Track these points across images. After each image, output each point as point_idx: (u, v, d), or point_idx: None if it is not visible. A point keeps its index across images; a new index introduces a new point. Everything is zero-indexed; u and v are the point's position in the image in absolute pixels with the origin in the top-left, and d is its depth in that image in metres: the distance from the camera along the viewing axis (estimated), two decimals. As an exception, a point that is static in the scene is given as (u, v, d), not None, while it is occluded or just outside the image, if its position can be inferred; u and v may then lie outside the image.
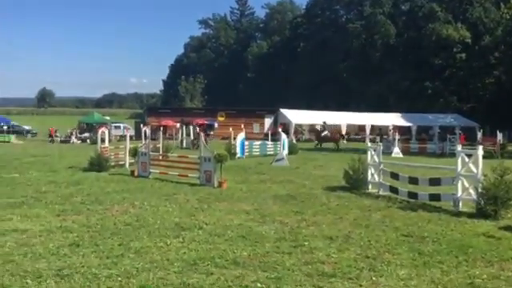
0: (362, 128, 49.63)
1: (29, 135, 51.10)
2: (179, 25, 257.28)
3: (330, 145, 32.83)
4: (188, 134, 35.93)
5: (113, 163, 18.03)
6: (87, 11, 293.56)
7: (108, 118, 55.66)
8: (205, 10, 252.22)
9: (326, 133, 34.63)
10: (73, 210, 9.44)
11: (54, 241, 6.97)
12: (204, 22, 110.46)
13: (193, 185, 13.20)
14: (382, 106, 55.05)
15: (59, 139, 42.84)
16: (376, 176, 12.35)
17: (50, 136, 43.19)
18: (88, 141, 39.59)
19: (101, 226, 7.98)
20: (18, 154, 24.45)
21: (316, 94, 66.48)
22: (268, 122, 50.73)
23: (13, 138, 41.56)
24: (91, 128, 44.24)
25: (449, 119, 51.03)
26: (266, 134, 34.21)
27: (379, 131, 46.74)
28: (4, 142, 39.27)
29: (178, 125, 41.14)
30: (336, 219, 8.85)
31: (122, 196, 11.31)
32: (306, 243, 6.98)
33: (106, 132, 20.55)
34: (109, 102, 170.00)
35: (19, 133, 48.55)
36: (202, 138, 14.53)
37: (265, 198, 11.26)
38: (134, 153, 16.41)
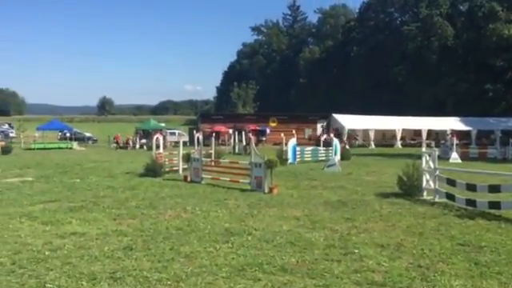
0: (417, 133, 48.25)
1: (90, 142, 53.29)
2: (233, 32, 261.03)
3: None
4: (240, 140, 36.29)
5: (167, 169, 18.53)
6: (142, 22, 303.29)
7: (163, 124, 57.13)
8: (257, 16, 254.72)
9: (325, 137, 33.78)
10: (128, 215, 9.76)
11: (110, 244, 7.23)
12: (256, 29, 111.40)
13: (243, 190, 13.31)
14: (439, 109, 53.25)
15: (118, 145, 44.44)
16: (431, 182, 11.95)
17: (117, 143, 44.79)
18: (145, 147, 40.80)
19: (154, 231, 8.20)
20: (79, 160, 25.56)
21: (370, 98, 65.24)
22: (320, 127, 50.34)
23: (75, 144, 43.48)
24: (148, 134, 45.58)
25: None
26: (318, 140, 33.98)
27: (436, 136, 45.27)
28: (67, 148, 41.21)
29: (231, 131, 41.64)
30: (388, 226, 8.64)
31: (175, 201, 11.58)
32: (356, 251, 6.85)
33: (161, 138, 21.14)
34: (165, 108, 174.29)
35: (81, 139, 50.72)
36: (253, 144, 14.60)
37: (315, 204, 11.17)
38: (187, 159, 16.78)
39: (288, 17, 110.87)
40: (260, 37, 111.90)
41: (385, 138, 47.95)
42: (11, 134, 55.68)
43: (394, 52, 69.21)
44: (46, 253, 6.69)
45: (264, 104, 79.88)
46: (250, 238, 7.68)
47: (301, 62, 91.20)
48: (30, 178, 16.85)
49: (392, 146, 45.17)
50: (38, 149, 39.30)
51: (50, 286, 5.27)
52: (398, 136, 47.10)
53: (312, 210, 10.37)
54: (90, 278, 5.57)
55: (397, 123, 47.65)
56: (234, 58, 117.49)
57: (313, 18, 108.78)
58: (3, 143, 38.25)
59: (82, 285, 5.33)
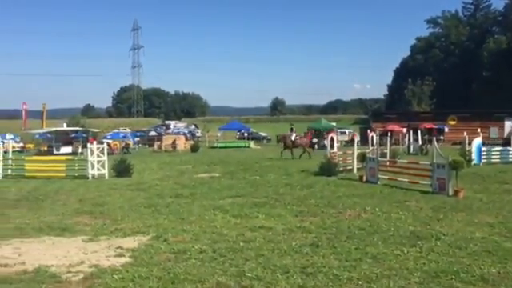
0: None
1: (264, 141, 56.18)
2: (403, 28, 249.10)
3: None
4: (415, 139, 34.57)
5: (341, 168, 18.57)
6: (310, 24, 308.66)
7: (334, 123, 57.39)
8: (432, 8, 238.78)
9: (294, 136, 28.58)
10: (309, 212, 10.04)
11: (296, 240, 7.52)
12: (432, 21, 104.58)
13: (424, 192, 12.67)
14: None
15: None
16: None
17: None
18: (316, 146, 41.47)
19: (336, 229, 8.28)
20: (257, 158, 27.13)
21: None
22: (508, 125, 45.17)
23: (252, 143, 46.30)
24: (319, 134, 46.18)
25: None
26: (507, 139, 30.57)
27: None
28: (245, 147, 44.12)
29: (405, 130, 39.92)
30: None
31: (353, 200, 11.54)
32: None
33: (335, 138, 21.25)
34: (333, 108, 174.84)
35: (257, 139, 53.80)
36: (435, 144, 13.76)
37: (511, 210, 10.05)
38: (362, 158, 16.59)
39: (468, 6, 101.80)
40: (436, 29, 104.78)
41: None
42: (197, 134, 61.72)
43: None
44: (241, 244, 7.24)
45: (441, 101, 74.60)
46: (439, 243, 7.26)
47: (484, 54, 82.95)
48: (217, 174, 18.47)
49: None
50: (220, 147, 42.86)
51: (249, 275, 5.69)
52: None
53: (508, 217, 9.36)
54: (284, 270, 5.85)
55: None
56: (405, 53, 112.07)
57: (498, 5, 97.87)
58: (192, 142, 42.72)
59: (277, 277, 5.63)
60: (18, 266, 6.32)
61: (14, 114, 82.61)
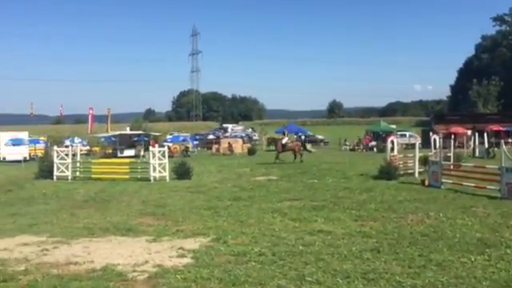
0: None
1: (322, 144, 55.61)
2: (467, 26, 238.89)
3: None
4: (481, 142, 33.06)
5: (401, 172, 18.08)
6: (368, 25, 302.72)
7: (394, 126, 55.97)
8: (498, 6, 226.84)
9: (286, 140, 26.92)
10: (368, 217, 9.86)
11: (356, 244, 7.40)
12: (499, 19, 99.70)
13: (492, 198, 12.12)
14: None
15: (348, 148, 45.23)
16: None
17: (366, 145, 44.82)
18: (375, 149, 40.60)
19: (397, 234, 8.08)
20: (314, 162, 26.86)
21: None
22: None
23: (309, 146, 45.90)
24: (378, 136, 45.19)
25: None
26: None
27: None
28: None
29: (469, 132, 38.30)
30: None
31: (415, 205, 11.23)
32: None
33: (395, 141, 20.75)
34: (393, 110, 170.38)
35: (314, 142, 53.34)
36: (504, 147, 13.10)
37: None
38: (425, 162, 16.08)
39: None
40: (503, 27, 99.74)
41: None
42: (254, 137, 62.12)
43: None
44: (300, 247, 7.23)
45: (509, 102, 70.90)
46: (509, 251, 6.92)
47: (558, 51, 78.10)
48: (275, 177, 18.52)
49: None
50: (277, 150, 42.82)
51: (309, 279, 5.66)
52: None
53: None
54: (344, 275, 5.78)
55: None
56: (470, 53, 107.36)
57: None
58: (249, 145, 43.05)
59: (338, 282, 5.57)
60: (87, 264, 6.65)
61: (81, 119, 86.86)
